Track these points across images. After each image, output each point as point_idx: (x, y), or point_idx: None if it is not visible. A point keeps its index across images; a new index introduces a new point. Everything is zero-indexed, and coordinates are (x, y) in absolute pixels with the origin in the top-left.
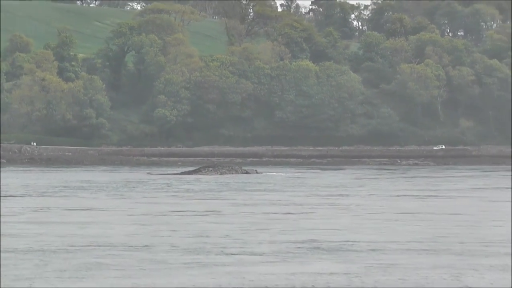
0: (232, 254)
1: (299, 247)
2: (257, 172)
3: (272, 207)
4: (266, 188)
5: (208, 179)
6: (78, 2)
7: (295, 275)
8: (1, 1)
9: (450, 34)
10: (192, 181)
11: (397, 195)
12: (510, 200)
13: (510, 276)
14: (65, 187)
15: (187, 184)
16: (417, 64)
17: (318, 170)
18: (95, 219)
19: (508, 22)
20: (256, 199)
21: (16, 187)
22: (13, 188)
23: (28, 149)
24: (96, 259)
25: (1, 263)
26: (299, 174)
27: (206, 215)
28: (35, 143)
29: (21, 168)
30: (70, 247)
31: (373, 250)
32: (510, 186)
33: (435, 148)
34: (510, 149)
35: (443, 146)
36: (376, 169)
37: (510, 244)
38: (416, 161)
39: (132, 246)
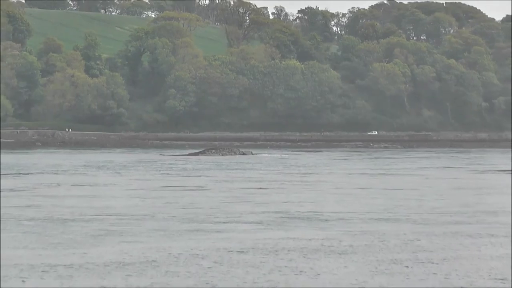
0: (222, 222)
1: (277, 217)
2: (252, 154)
3: (249, 183)
4: (252, 167)
5: (209, 160)
6: (102, 11)
7: (283, 239)
8: (38, 9)
9: (415, 38)
10: (193, 161)
11: (357, 173)
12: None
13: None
14: (85, 166)
15: (187, 164)
16: (386, 63)
17: (302, 152)
18: (101, 194)
19: (464, 28)
20: (237, 176)
21: (45, 166)
22: (43, 167)
23: (60, 134)
24: (108, 227)
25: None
26: (285, 155)
27: (193, 190)
28: (70, 129)
29: (53, 150)
30: (80, 217)
31: (341, 219)
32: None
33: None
34: (464, 134)
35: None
36: (350, 151)
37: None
38: (386, 145)
39: (134, 216)
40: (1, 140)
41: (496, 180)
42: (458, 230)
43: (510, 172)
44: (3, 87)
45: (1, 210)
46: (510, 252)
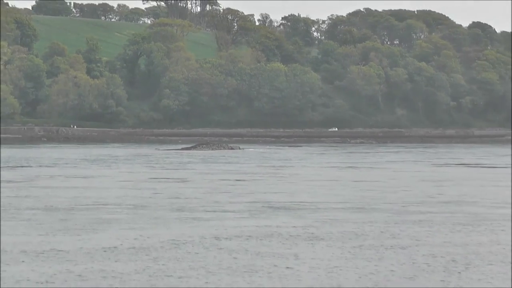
0: (208, 211)
1: (258, 207)
2: (240, 148)
3: (229, 175)
4: (237, 161)
5: (200, 154)
6: (102, 18)
7: (265, 227)
8: (44, 16)
9: (388, 43)
10: (185, 155)
11: (329, 166)
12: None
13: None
14: (84, 159)
15: (179, 157)
16: (363, 66)
17: (285, 147)
18: (95, 185)
19: (433, 34)
20: (218, 169)
21: (47, 159)
22: (45, 160)
23: (64, 130)
24: (105, 215)
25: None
26: (269, 150)
27: (178, 181)
28: (75, 126)
29: (57, 145)
30: (77, 207)
31: (317, 208)
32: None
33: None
34: (434, 131)
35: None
36: (328, 146)
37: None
38: (362, 140)
39: (127, 205)
40: (10, 135)
41: (457, 173)
42: (423, 218)
43: (510, 167)
44: (12, 88)
45: (2, 200)
46: (471, 238)
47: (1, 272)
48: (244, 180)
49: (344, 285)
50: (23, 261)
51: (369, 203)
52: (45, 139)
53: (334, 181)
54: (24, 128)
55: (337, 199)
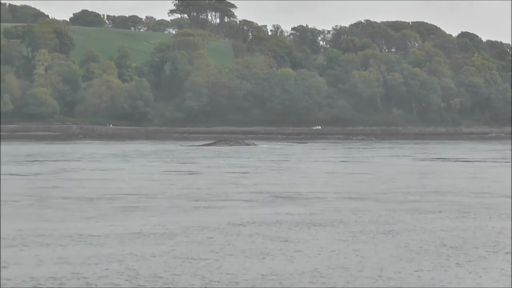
0: (221, 201)
1: (266, 196)
2: (254, 144)
3: (235, 168)
4: (250, 155)
5: (218, 149)
6: (132, 28)
7: (272, 214)
8: (80, 27)
9: (386, 50)
10: (205, 151)
11: (327, 160)
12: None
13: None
14: (114, 154)
15: (200, 152)
16: (363, 71)
17: (294, 143)
18: (113, 177)
19: (426, 42)
20: (226, 163)
21: (77, 154)
22: (77, 154)
23: (98, 128)
24: (130, 204)
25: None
26: (279, 146)
27: (190, 174)
28: (111, 125)
29: (92, 141)
30: (103, 196)
31: (317, 198)
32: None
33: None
34: (426, 129)
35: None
36: (331, 142)
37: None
38: (363, 137)
39: (149, 195)
40: (51, 133)
41: (439, 166)
42: (412, 207)
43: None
44: (51, 90)
45: (34, 191)
46: (457, 224)
47: (44, 254)
48: (248, 173)
49: (347, 266)
50: (61, 245)
51: (362, 193)
52: (81, 136)
53: (330, 173)
54: (63, 126)
55: (333, 190)
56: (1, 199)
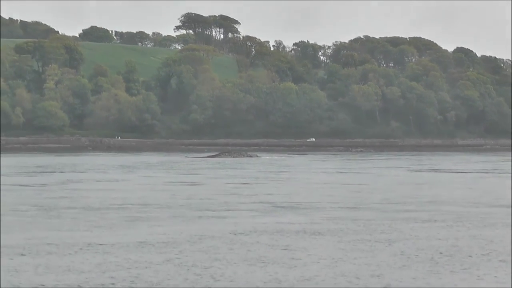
0: (223, 210)
1: (267, 206)
2: (257, 156)
3: (236, 179)
4: (252, 167)
5: (220, 161)
6: (139, 44)
7: (278, 223)
8: (89, 42)
9: (384, 65)
10: (210, 162)
11: (325, 171)
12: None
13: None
14: (121, 166)
15: (204, 163)
16: (362, 85)
17: (295, 155)
18: (117, 188)
19: (423, 57)
20: (227, 174)
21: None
22: (86, 166)
23: (106, 140)
24: (135, 214)
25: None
26: (280, 158)
27: (192, 185)
28: (119, 137)
29: (100, 153)
30: (108, 206)
31: (316, 208)
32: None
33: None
34: (423, 141)
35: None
36: (330, 154)
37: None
38: (362, 149)
39: (153, 205)
40: (61, 145)
41: (436, 177)
42: (409, 216)
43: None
44: (61, 103)
45: (41, 201)
46: (452, 233)
47: (54, 261)
48: (249, 184)
49: (346, 273)
50: (69, 253)
51: (359, 203)
52: (90, 148)
53: (327, 184)
54: (73, 139)
55: (331, 200)
56: (11, 209)
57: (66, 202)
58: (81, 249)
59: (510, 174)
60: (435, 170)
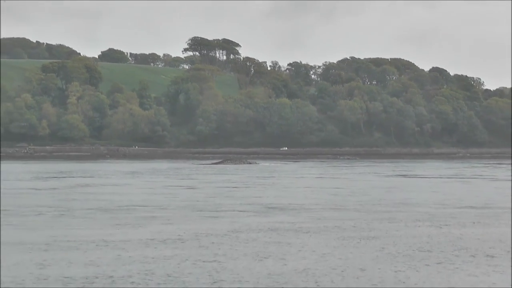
0: (221, 211)
1: (259, 208)
2: (256, 163)
3: (227, 183)
4: (248, 173)
5: (223, 167)
6: (151, 64)
7: (271, 223)
8: (107, 63)
9: (368, 83)
10: (214, 168)
11: (306, 176)
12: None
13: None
14: (136, 172)
15: (208, 169)
16: (349, 100)
17: (289, 162)
18: (124, 191)
19: (403, 76)
20: (219, 179)
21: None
22: (104, 172)
23: (122, 149)
24: (145, 214)
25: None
26: (275, 164)
27: (189, 188)
28: (136, 146)
29: (117, 161)
30: (118, 207)
31: (304, 209)
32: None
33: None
34: (403, 150)
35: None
36: (319, 161)
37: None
38: (348, 157)
39: (154, 206)
40: (82, 153)
41: (405, 182)
42: (385, 216)
43: (511, 179)
44: (82, 117)
45: (60, 203)
46: (425, 231)
47: (75, 256)
48: (239, 187)
49: (334, 267)
50: (87, 249)
51: (339, 204)
52: (108, 156)
53: (308, 187)
54: (92, 148)
55: (315, 202)
56: (34, 210)
57: (81, 203)
58: (97, 245)
59: (470, 179)
60: (406, 176)
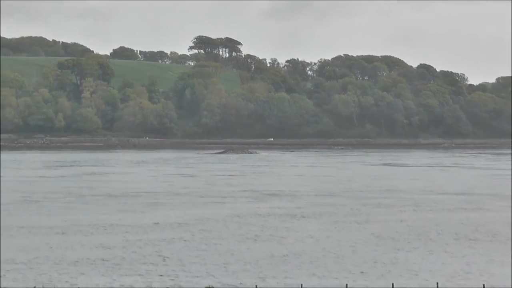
0: (220, 197)
1: (256, 194)
2: (256, 153)
3: (228, 171)
4: (247, 162)
5: (225, 156)
6: (160, 61)
7: (268, 208)
8: (118, 60)
9: (361, 78)
10: (215, 157)
11: (297, 165)
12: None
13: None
14: (143, 161)
15: (211, 158)
16: (342, 95)
17: (286, 152)
18: (128, 179)
19: (392, 72)
20: (216, 168)
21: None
22: (114, 161)
23: (133, 140)
24: (151, 200)
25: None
26: (273, 154)
27: (188, 176)
28: (147, 137)
29: (128, 151)
30: (126, 194)
31: (296, 195)
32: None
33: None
34: (392, 140)
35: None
36: (315, 151)
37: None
38: (342, 147)
39: (158, 193)
40: (95, 144)
41: (389, 170)
42: (374, 202)
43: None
44: (95, 110)
45: (66, 189)
46: (410, 216)
47: (88, 239)
48: (235, 175)
49: (328, 248)
50: (98, 233)
51: (329, 191)
52: (119, 146)
53: (299, 175)
54: (105, 139)
55: (307, 188)
56: (48, 196)
57: (91, 190)
58: (105, 229)
59: (449, 167)
60: (391, 165)
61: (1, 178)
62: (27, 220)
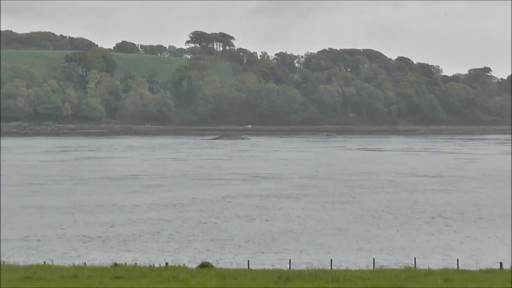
0: (212, 179)
1: (246, 177)
2: (248, 138)
3: (216, 156)
4: (238, 147)
5: (220, 142)
6: (159, 54)
7: (257, 189)
8: (121, 53)
9: (344, 70)
10: (211, 142)
11: (280, 150)
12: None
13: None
14: (142, 147)
15: (206, 143)
16: (327, 85)
17: (275, 138)
18: (126, 163)
19: (373, 64)
20: (204, 152)
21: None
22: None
23: (134, 127)
24: (149, 182)
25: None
26: (262, 139)
27: (180, 160)
28: (149, 124)
29: (129, 137)
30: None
31: (282, 178)
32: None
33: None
34: (373, 127)
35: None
36: (300, 137)
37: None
38: (327, 133)
39: (153, 175)
40: (99, 130)
41: (366, 154)
42: (355, 184)
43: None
44: (100, 99)
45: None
46: (388, 197)
47: (91, 219)
48: (223, 159)
49: (315, 227)
50: (101, 213)
51: (312, 174)
52: (122, 133)
53: (281, 159)
54: (109, 126)
55: (290, 171)
56: (54, 179)
57: (93, 173)
58: (107, 209)
59: (420, 152)
60: (367, 149)
61: (9, 162)
62: (35, 201)
